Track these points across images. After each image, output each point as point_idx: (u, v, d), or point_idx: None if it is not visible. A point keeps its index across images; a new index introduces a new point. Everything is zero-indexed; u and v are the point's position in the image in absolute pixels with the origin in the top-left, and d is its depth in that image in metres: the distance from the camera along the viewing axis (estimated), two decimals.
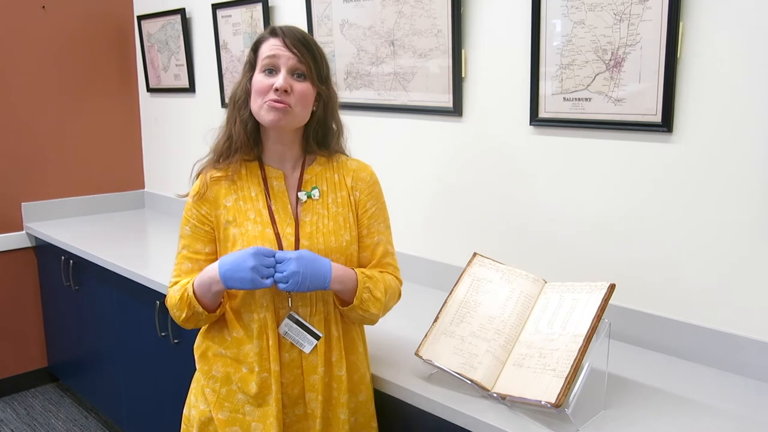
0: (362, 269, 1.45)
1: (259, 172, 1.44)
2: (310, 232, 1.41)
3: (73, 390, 3.35)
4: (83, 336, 3.03)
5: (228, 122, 1.43)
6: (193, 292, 1.37)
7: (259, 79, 1.35)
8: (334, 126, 1.47)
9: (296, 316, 1.40)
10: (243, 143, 1.40)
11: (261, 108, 1.35)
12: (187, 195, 1.46)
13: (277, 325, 1.40)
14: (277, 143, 1.43)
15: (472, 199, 2.10)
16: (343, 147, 1.51)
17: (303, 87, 1.35)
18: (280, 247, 1.38)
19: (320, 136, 1.46)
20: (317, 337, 1.40)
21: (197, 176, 1.46)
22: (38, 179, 3.33)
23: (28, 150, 3.27)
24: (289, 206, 1.42)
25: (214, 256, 1.43)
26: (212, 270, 1.35)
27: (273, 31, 1.38)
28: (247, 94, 1.39)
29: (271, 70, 1.35)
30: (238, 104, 1.41)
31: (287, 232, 1.40)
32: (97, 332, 2.88)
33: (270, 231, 1.39)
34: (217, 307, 1.41)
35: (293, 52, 1.34)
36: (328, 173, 1.47)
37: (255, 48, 1.40)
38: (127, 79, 3.60)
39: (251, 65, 1.40)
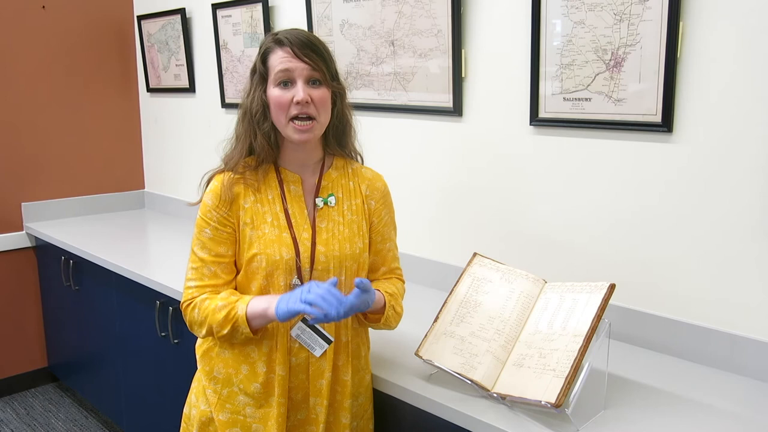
0: (385, 288, 1.46)
1: (275, 175, 1.43)
2: (326, 239, 1.41)
3: (73, 390, 3.35)
4: (83, 336, 3.03)
5: (246, 136, 1.40)
6: (246, 318, 1.33)
7: (277, 93, 1.34)
8: (348, 118, 1.47)
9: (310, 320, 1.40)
10: (268, 155, 1.40)
11: (287, 127, 1.35)
12: (198, 203, 1.43)
13: (287, 329, 1.40)
14: (298, 152, 1.42)
15: (472, 199, 2.10)
16: (357, 146, 1.51)
17: (321, 93, 1.35)
18: (297, 252, 1.38)
19: (339, 131, 1.46)
20: (329, 342, 1.40)
21: (208, 182, 1.43)
22: (38, 179, 3.33)
23: (28, 150, 3.27)
24: (306, 211, 1.42)
25: (234, 258, 1.42)
26: (269, 304, 1.32)
27: (279, 41, 1.35)
28: (264, 106, 1.37)
29: (287, 83, 1.34)
30: (256, 118, 1.38)
31: (304, 238, 1.40)
32: (97, 332, 2.88)
33: (287, 235, 1.39)
34: (259, 329, 1.39)
35: (305, 62, 1.33)
36: (343, 180, 1.47)
37: (263, 59, 1.38)
38: (127, 79, 3.60)
39: (262, 77, 1.38)
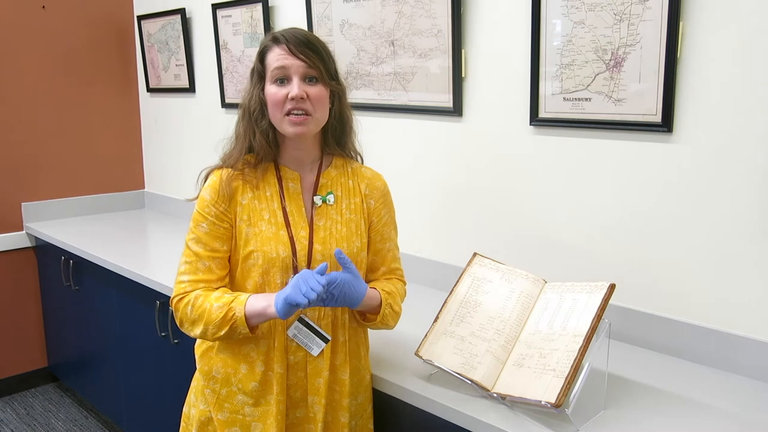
0: (383, 287, 1.46)
1: (275, 173, 1.43)
2: (323, 237, 1.41)
3: (73, 390, 3.35)
4: (83, 336, 3.03)
5: (246, 134, 1.41)
6: (245, 317, 1.32)
7: (273, 91, 1.35)
8: (348, 119, 1.47)
9: (306, 319, 1.40)
10: (267, 153, 1.40)
11: (282, 121, 1.35)
12: (195, 198, 1.44)
13: (284, 327, 1.40)
14: (296, 149, 1.43)
15: (472, 199, 2.10)
16: (357, 146, 1.51)
17: (317, 90, 1.35)
18: (293, 250, 1.38)
19: (338, 132, 1.46)
20: (326, 341, 1.40)
21: (206, 177, 1.43)
22: (38, 179, 3.33)
23: (28, 150, 3.27)
24: (304, 209, 1.42)
25: (228, 254, 1.42)
26: (269, 303, 1.31)
27: (276, 39, 1.36)
28: (262, 104, 1.38)
29: (283, 80, 1.34)
30: (254, 116, 1.39)
31: (301, 236, 1.40)
32: (97, 332, 2.88)
33: (284, 233, 1.39)
34: (257, 327, 1.38)
35: (301, 59, 1.33)
36: (342, 179, 1.47)
37: (261, 57, 1.38)
38: (127, 79, 3.60)
39: (260, 75, 1.39)
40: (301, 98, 1.32)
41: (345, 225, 1.43)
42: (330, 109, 1.41)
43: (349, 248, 1.42)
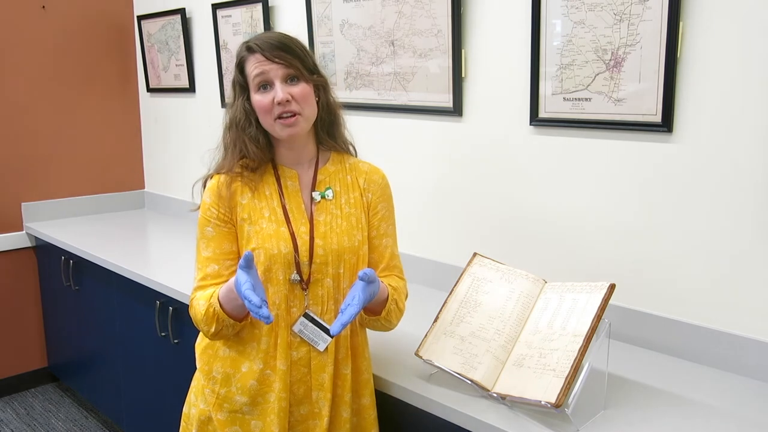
0: (388, 282, 1.46)
1: (273, 172, 1.44)
2: (324, 232, 1.42)
3: (73, 390, 3.35)
4: (83, 336, 3.03)
5: (236, 144, 1.42)
6: (219, 304, 1.34)
7: (258, 98, 1.37)
8: (335, 109, 1.48)
9: (311, 314, 1.40)
10: (262, 158, 1.42)
11: (274, 126, 1.37)
12: (199, 207, 1.45)
13: (287, 323, 1.40)
14: (290, 149, 1.44)
15: (472, 199, 2.10)
16: (347, 136, 1.52)
17: (300, 89, 1.36)
18: (295, 246, 1.39)
19: (327, 123, 1.47)
20: (332, 335, 1.40)
21: (204, 184, 1.45)
22: (38, 179, 3.33)
23: (28, 150, 3.27)
24: (303, 206, 1.43)
25: (239, 254, 1.42)
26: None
27: (250, 48, 1.38)
28: (247, 113, 1.40)
29: (266, 86, 1.37)
30: (241, 125, 1.40)
31: (302, 231, 1.41)
32: (97, 332, 2.88)
33: (285, 230, 1.40)
34: (245, 315, 1.38)
35: (277, 62, 1.35)
36: (341, 174, 1.48)
37: (240, 69, 1.41)
38: (127, 79, 3.60)
39: (242, 87, 1.41)
40: (287, 101, 1.34)
41: (345, 219, 1.44)
42: (317, 101, 1.42)
43: (350, 242, 1.43)
